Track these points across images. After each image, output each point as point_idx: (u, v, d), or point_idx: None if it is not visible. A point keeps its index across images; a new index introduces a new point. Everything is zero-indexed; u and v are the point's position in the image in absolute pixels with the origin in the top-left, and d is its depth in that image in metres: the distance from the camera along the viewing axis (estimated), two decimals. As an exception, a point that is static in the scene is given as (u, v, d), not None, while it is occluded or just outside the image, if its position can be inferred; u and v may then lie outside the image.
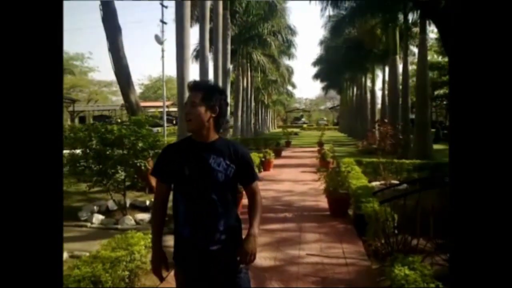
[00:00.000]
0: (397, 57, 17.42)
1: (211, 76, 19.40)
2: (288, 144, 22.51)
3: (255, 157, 11.28)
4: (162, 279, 2.06)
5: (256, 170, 2.13)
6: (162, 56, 23.76)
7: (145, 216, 6.19)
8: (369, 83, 29.59)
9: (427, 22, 14.82)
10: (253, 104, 32.93)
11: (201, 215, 1.93)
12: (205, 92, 1.96)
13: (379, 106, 27.79)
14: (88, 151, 5.91)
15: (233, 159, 1.97)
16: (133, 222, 5.96)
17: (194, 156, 1.95)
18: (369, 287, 3.79)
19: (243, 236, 2.01)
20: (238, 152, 2.01)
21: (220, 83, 18.10)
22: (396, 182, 8.50)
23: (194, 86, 1.99)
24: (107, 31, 8.61)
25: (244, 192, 2.15)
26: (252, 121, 32.45)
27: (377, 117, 23.56)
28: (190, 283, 1.99)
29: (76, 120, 29.09)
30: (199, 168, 1.92)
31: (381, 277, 3.95)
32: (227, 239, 1.95)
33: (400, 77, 16.85)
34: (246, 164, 2.03)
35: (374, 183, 8.29)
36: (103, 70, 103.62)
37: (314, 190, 8.08)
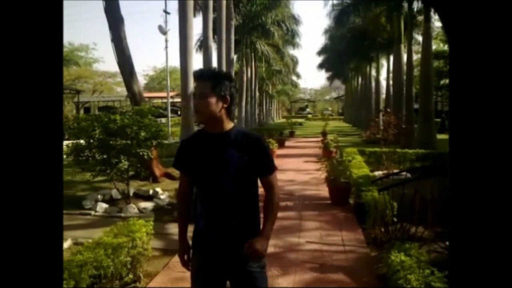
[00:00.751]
0: (402, 46, 17.29)
1: (215, 66, 19.41)
2: (292, 134, 22.52)
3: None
4: (188, 268, 2.03)
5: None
6: (166, 47, 23.75)
7: (148, 205, 6.28)
8: (373, 73, 29.42)
9: (432, 10, 14.67)
10: (257, 94, 32.88)
11: (215, 209, 1.88)
12: (214, 81, 1.84)
13: (383, 95, 27.65)
14: (91, 140, 5.98)
15: (246, 149, 1.86)
16: (136, 210, 6.05)
17: (206, 148, 1.88)
18: (367, 273, 3.84)
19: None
20: (252, 141, 1.89)
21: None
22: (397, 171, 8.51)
23: (201, 75, 1.87)
24: (109, 22, 8.63)
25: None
26: (257, 112, 32.43)
27: (382, 107, 23.46)
28: (202, 275, 1.95)
29: (81, 111, 29.22)
30: (211, 161, 1.86)
31: (379, 264, 4.02)
32: (242, 235, 1.86)
33: (405, 66, 16.75)
34: (260, 154, 1.89)
35: (377, 173, 8.31)
36: (107, 61, 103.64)
37: (316, 179, 8.12)
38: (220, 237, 1.87)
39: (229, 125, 1.91)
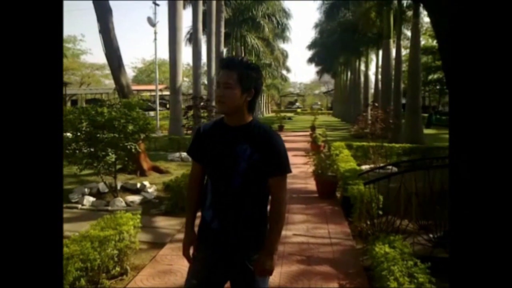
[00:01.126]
0: (391, 41, 17.39)
1: (204, 59, 19.30)
2: (281, 129, 22.56)
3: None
4: (190, 260, 1.94)
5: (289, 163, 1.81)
6: (155, 39, 23.55)
7: (135, 198, 6.27)
8: (363, 67, 29.57)
9: (421, 6, 14.78)
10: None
11: (224, 203, 1.83)
12: (241, 72, 1.75)
13: (372, 90, 27.85)
14: (78, 133, 5.93)
15: (259, 146, 1.77)
16: (123, 204, 6.03)
17: (221, 141, 1.82)
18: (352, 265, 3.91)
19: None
20: (266, 138, 1.79)
21: (213, 67, 18.00)
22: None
23: (229, 64, 1.78)
24: (98, 13, 8.52)
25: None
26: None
27: (370, 101, 23.64)
28: (203, 267, 1.88)
29: (68, 104, 28.87)
30: (224, 154, 1.80)
31: (364, 256, 4.09)
32: (248, 233, 1.82)
33: (393, 61, 16.87)
34: (273, 152, 1.79)
35: (364, 167, 8.41)
36: (95, 53, 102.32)
37: (304, 173, 8.18)
38: (224, 231, 1.83)
39: (248, 118, 1.83)
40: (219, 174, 1.82)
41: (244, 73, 1.76)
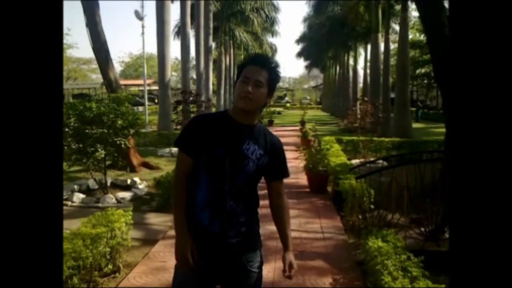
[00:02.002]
0: (379, 35, 17.47)
1: (193, 53, 19.15)
2: (271, 123, 22.56)
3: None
4: (191, 267, 1.73)
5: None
6: (143, 33, 23.21)
7: (126, 195, 6.21)
8: (351, 62, 29.68)
9: (409, 0, 14.86)
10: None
11: (224, 202, 1.72)
12: (271, 72, 1.72)
13: (361, 85, 28.01)
14: (66, 129, 5.83)
15: (268, 150, 1.77)
16: (114, 200, 5.97)
17: (229, 137, 1.73)
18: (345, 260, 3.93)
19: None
20: (274, 142, 1.81)
21: (202, 61, 17.87)
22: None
23: (260, 61, 1.74)
24: (84, 6, 8.37)
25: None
26: (235, 100, 32.26)
27: (359, 96, 23.76)
28: (197, 273, 1.75)
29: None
30: (232, 152, 1.71)
31: (357, 250, 4.11)
32: (247, 232, 1.78)
33: (382, 56, 16.96)
34: (279, 156, 1.82)
35: (354, 161, 8.46)
36: (81, 47, 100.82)
37: (295, 168, 8.19)
38: (225, 234, 1.73)
39: (256, 119, 1.80)
40: (223, 172, 1.70)
41: (273, 73, 1.73)
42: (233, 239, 1.74)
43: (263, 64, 1.71)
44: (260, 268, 1.86)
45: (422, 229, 4.26)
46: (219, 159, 1.70)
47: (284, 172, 1.87)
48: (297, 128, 18.39)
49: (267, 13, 26.37)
